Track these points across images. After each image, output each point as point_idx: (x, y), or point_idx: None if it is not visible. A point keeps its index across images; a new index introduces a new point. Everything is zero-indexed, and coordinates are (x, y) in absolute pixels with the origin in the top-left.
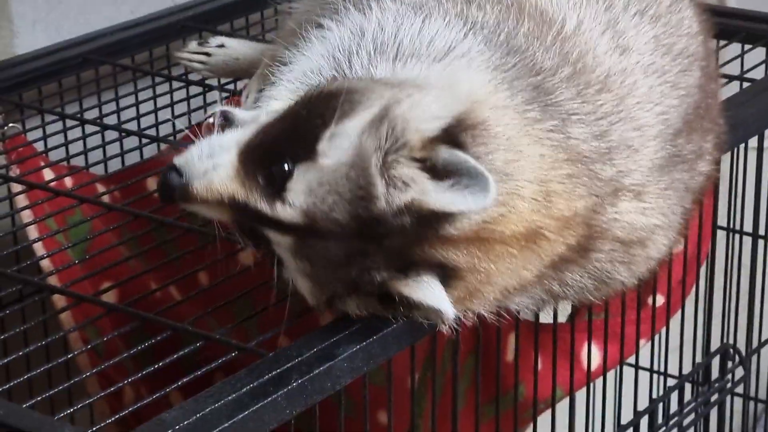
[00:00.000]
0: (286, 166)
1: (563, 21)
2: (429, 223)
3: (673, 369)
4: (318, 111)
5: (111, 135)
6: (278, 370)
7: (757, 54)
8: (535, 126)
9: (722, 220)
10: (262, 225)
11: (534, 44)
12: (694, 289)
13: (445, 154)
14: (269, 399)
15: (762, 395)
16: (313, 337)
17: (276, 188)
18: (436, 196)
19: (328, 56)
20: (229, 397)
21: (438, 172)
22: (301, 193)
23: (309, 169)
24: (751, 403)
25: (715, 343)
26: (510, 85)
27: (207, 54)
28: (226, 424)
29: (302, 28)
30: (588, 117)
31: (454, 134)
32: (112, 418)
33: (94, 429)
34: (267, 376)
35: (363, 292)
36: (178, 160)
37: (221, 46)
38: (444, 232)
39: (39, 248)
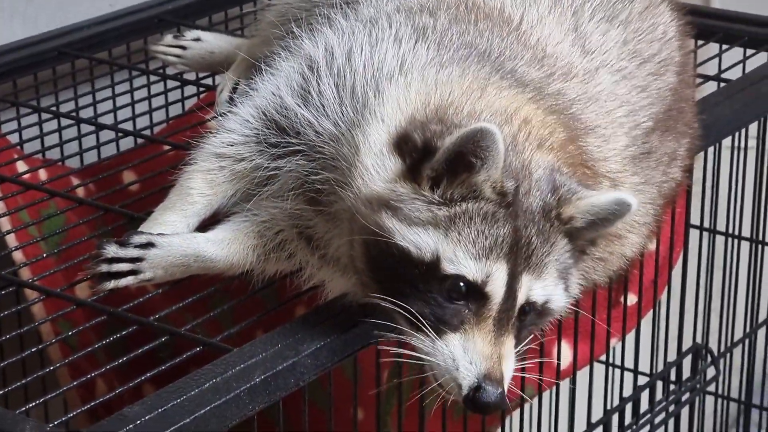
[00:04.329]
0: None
1: (521, 18)
2: None
3: (644, 368)
4: None
5: (87, 128)
6: (241, 366)
7: (734, 54)
8: None
9: (695, 219)
10: None
11: (488, 36)
12: (666, 287)
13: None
14: (232, 395)
15: (735, 395)
16: (278, 334)
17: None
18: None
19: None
20: (192, 393)
21: None
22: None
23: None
24: (726, 403)
25: (687, 343)
26: (462, 71)
27: (182, 47)
28: (188, 420)
29: (281, 22)
30: (559, 98)
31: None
32: (81, 409)
33: (55, 423)
34: (230, 372)
35: None
36: (483, 379)
37: (197, 39)
38: None
39: (12, 240)
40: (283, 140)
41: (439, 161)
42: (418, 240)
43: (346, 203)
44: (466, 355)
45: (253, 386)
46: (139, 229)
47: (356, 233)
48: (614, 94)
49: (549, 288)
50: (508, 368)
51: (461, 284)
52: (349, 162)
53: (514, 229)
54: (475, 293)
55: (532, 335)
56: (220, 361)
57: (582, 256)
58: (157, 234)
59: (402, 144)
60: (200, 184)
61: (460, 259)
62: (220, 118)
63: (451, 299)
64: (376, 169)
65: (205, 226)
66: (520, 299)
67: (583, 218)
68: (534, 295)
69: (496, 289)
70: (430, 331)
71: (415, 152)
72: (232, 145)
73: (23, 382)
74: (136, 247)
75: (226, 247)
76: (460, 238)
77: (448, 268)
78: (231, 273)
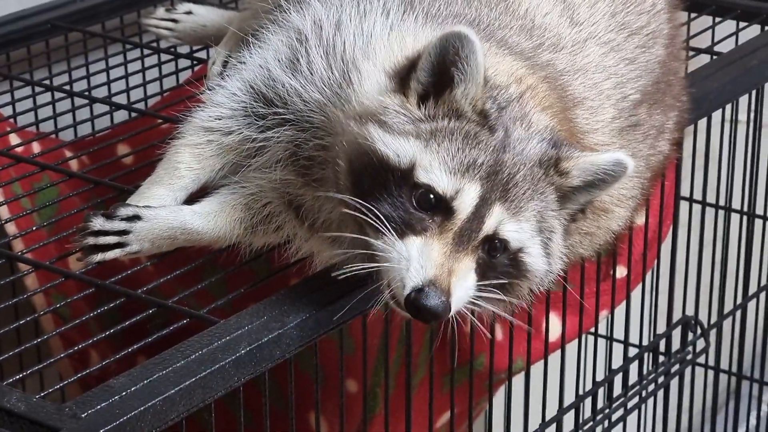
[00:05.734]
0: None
1: None
2: None
3: (634, 340)
4: None
5: (81, 101)
6: (227, 338)
7: (727, 26)
8: None
9: (686, 192)
10: None
11: (476, 5)
12: (656, 260)
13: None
14: (217, 366)
15: (726, 367)
16: (264, 305)
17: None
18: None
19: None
20: (178, 364)
21: None
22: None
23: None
24: (717, 375)
25: (677, 316)
26: None
27: (174, 21)
28: (173, 391)
29: None
30: (549, 69)
31: None
32: (71, 380)
33: (42, 394)
34: (216, 344)
35: None
36: (425, 281)
37: (189, 12)
38: None
39: (4, 212)
40: (270, 111)
41: (422, 69)
42: (399, 147)
43: (335, 125)
44: (420, 257)
45: (239, 358)
46: (126, 203)
47: (341, 149)
48: (602, 66)
49: (524, 233)
50: (460, 286)
51: (431, 196)
52: (338, 112)
53: (497, 160)
54: (442, 207)
55: (510, 292)
56: (206, 333)
57: (569, 227)
58: (144, 207)
59: (399, 71)
60: (188, 158)
61: (435, 170)
62: (208, 91)
63: (419, 208)
64: (370, 87)
65: (193, 198)
66: (488, 226)
67: (580, 176)
68: (506, 231)
69: (463, 206)
70: (392, 233)
71: (405, 68)
72: (219, 119)
73: (15, 351)
74: (122, 220)
75: (212, 220)
76: (439, 150)
77: (421, 176)
78: (218, 246)
